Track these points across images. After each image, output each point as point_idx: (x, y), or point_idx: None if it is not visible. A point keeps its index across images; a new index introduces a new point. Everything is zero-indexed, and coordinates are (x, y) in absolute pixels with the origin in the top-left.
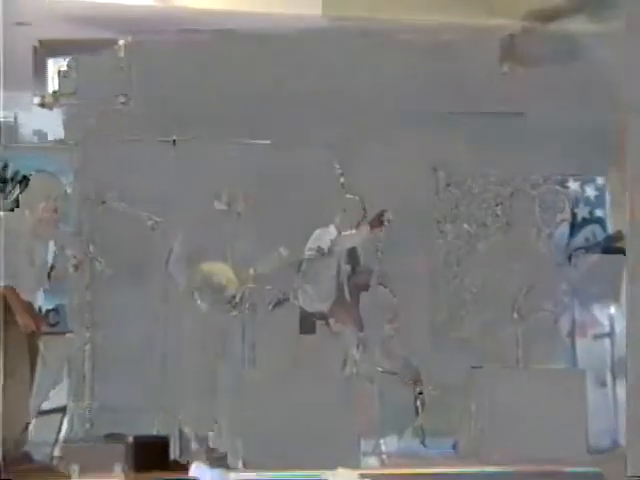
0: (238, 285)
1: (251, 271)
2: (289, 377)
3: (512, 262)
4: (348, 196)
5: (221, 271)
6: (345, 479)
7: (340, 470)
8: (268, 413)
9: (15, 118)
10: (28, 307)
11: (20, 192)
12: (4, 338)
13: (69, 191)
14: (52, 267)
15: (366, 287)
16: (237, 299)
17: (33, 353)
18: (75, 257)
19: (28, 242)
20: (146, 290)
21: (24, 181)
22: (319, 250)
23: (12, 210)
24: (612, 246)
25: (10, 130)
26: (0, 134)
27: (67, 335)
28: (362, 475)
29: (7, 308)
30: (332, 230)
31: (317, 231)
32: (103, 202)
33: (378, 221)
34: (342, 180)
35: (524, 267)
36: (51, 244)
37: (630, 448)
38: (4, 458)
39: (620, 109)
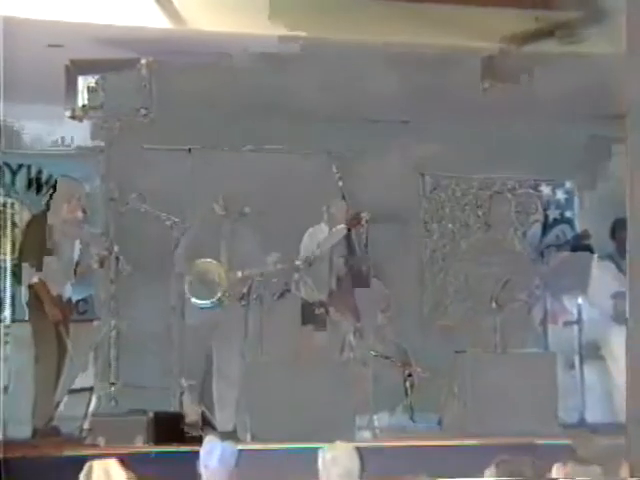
0: (226, 284)
1: (239, 274)
2: (292, 361)
3: (491, 258)
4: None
5: (215, 269)
6: (342, 451)
7: (338, 443)
8: (274, 392)
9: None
10: (56, 299)
11: (50, 195)
12: (35, 326)
13: (95, 193)
14: (77, 263)
15: (361, 280)
16: (223, 297)
17: (60, 340)
18: (98, 254)
19: (56, 241)
20: (165, 282)
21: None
22: (307, 260)
23: (45, 212)
24: (580, 244)
25: (42, 138)
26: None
27: (94, 322)
28: (357, 447)
29: (39, 300)
30: (323, 227)
31: (310, 229)
32: (127, 203)
33: (356, 220)
34: (340, 184)
35: (502, 262)
36: (77, 243)
37: (631, 449)
38: (36, 432)
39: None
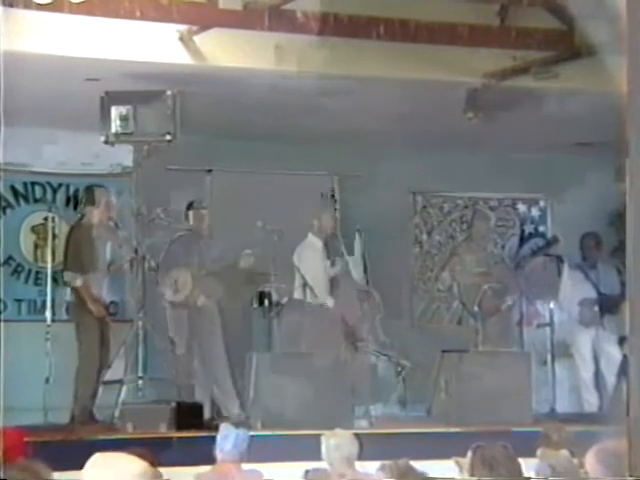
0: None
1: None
2: (298, 358)
3: (473, 267)
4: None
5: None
6: (343, 437)
7: (337, 430)
8: (282, 386)
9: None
10: (97, 298)
11: (83, 205)
12: (80, 324)
13: (125, 208)
14: (110, 263)
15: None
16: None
17: (104, 334)
18: (129, 255)
19: (93, 245)
20: None
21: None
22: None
23: (81, 220)
24: (550, 249)
25: (79, 160)
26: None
27: (125, 323)
28: (356, 434)
29: (82, 299)
30: (311, 238)
31: (298, 248)
32: (153, 219)
33: None
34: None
35: (483, 271)
36: (109, 244)
37: (632, 449)
38: (73, 419)
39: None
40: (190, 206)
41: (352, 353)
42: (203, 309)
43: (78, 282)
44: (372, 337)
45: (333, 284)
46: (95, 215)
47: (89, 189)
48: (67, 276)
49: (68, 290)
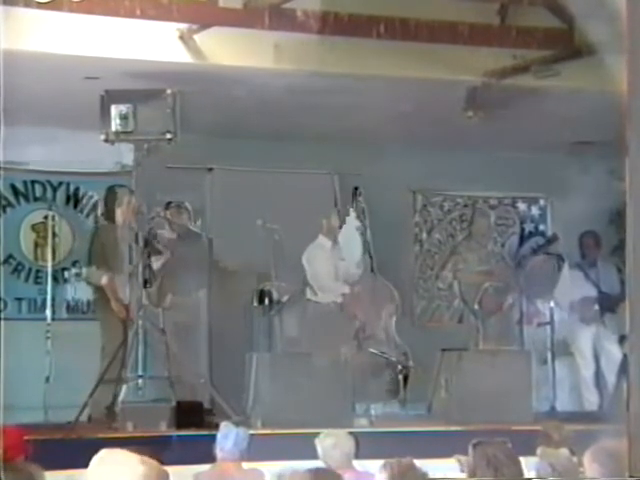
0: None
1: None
2: (299, 358)
3: (474, 266)
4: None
5: None
6: (340, 436)
7: (331, 430)
8: (282, 385)
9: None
10: (121, 298)
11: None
12: (105, 320)
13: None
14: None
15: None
16: None
17: (125, 334)
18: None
19: (119, 246)
20: None
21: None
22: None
23: (106, 220)
24: (550, 246)
25: (79, 159)
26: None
27: None
28: (352, 433)
29: (107, 298)
30: (322, 239)
31: (307, 249)
32: (152, 218)
33: None
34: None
35: (483, 270)
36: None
37: (632, 449)
38: (90, 419)
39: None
40: (168, 205)
41: (354, 352)
42: (175, 307)
43: (104, 280)
44: (385, 336)
45: (349, 281)
46: (119, 215)
47: (112, 189)
48: (95, 274)
49: (91, 289)
